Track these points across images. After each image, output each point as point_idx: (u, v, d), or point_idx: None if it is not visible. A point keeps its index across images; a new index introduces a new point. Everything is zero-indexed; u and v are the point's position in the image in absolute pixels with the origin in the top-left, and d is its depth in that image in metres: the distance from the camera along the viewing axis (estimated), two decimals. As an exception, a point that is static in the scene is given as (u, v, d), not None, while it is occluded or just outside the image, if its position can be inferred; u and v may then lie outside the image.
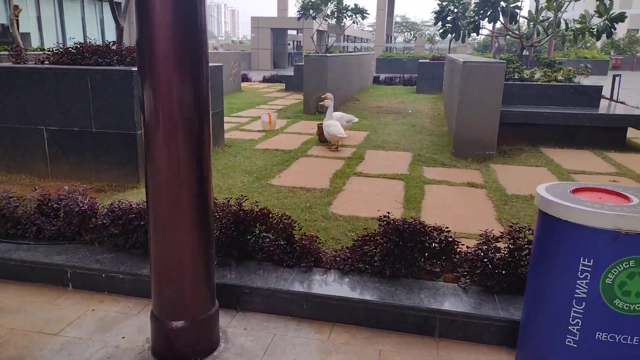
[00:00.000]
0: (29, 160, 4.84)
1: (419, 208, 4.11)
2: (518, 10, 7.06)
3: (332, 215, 3.89)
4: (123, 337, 2.44)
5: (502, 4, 6.73)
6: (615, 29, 8.15)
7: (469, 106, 5.83)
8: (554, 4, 6.88)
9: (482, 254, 2.72)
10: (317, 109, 9.77)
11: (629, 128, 6.81)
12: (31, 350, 2.32)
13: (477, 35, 7.27)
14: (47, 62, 4.94)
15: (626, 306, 1.79)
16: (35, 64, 4.96)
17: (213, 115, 6.01)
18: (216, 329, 2.40)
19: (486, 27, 7.67)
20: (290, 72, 18.36)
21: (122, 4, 5.57)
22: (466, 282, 2.68)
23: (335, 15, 14.53)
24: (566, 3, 7.45)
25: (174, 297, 2.24)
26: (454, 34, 7.57)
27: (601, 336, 1.84)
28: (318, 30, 30.78)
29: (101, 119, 4.56)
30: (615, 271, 1.77)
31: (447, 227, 2.86)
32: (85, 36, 22.40)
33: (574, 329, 1.87)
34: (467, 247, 2.82)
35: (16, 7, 7.69)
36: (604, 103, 7.29)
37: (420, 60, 15.13)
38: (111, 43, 4.98)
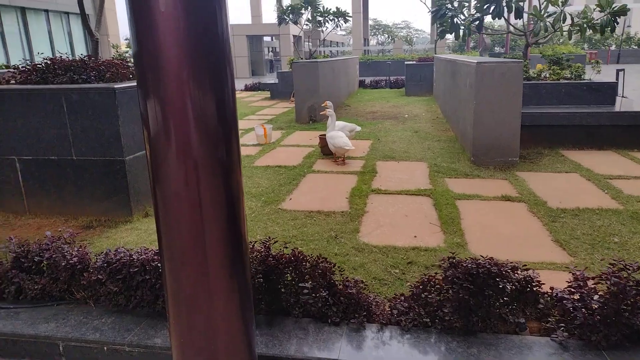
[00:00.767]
0: (2, 196, 4.16)
1: (460, 231, 3.59)
2: (521, 4, 6.67)
3: (365, 246, 3.34)
4: None
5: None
6: (617, 22, 7.85)
7: (486, 110, 5.37)
8: (560, -3, 6.50)
9: (575, 297, 2.22)
10: (310, 117, 9.24)
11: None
12: None
13: (479, 33, 6.85)
14: (14, 82, 4.28)
15: None
16: (0, 83, 4.29)
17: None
18: None
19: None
20: (272, 79, 17.77)
21: (92, 15, 4.93)
22: (562, 335, 2.17)
23: (316, 20, 14.04)
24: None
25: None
26: (452, 33, 7.13)
27: None
28: (294, 36, 30.32)
29: (82, 145, 3.92)
30: None
31: (524, 265, 2.35)
32: (53, 51, 21.40)
33: None
34: (551, 287, 2.31)
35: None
36: (618, 100, 6.94)
37: (406, 62, 14.74)
38: (86, 57, 4.35)
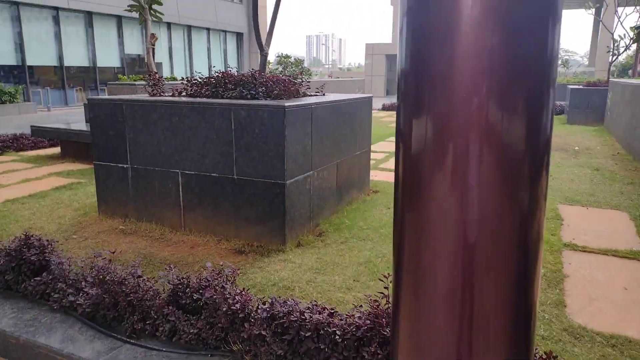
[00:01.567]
0: (161, 208, 4.13)
1: None
2: None
3: (582, 331, 2.52)
4: None
5: None
6: None
7: None
8: None
9: None
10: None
11: None
12: None
13: None
14: (185, 94, 4.26)
15: None
16: (172, 95, 4.30)
17: (360, 155, 4.97)
18: None
19: None
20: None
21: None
22: None
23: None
24: None
25: None
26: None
27: None
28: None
29: (244, 163, 3.69)
30: None
31: None
32: (210, 66, 23.35)
33: None
34: None
35: (153, 35, 7.45)
36: None
37: (571, 87, 13.02)
38: (256, 72, 4.17)
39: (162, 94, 4.41)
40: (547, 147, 1.02)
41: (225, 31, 24.89)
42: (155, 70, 6.92)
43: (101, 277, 2.52)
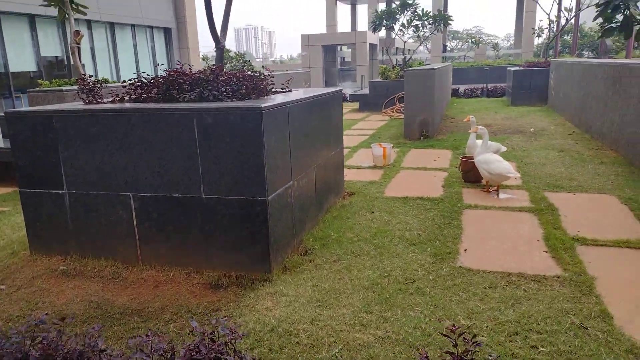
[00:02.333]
0: (111, 240, 3.40)
1: None
2: None
3: (646, 350, 2.18)
4: None
5: None
6: None
7: None
8: None
9: None
10: (421, 133, 8.12)
11: None
12: None
13: None
14: (128, 99, 3.54)
15: None
16: (114, 101, 3.56)
17: (335, 156, 4.48)
18: None
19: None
20: (350, 89, 16.85)
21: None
22: None
23: (411, 24, 12.93)
24: None
25: None
26: (623, 32, 5.77)
27: None
28: (370, 44, 29.37)
29: (214, 180, 3.06)
30: None
31: None
32: (137, 66, 21.84)
33: None
34: None
35: (77, 32, 6.47)
36: None
37: (512, 68, 13.23)
38: (215, 68, 3.52)
39: (100, 101, 3.65)
40: None
41: (152, 27, 23.40)
42: (83, 72, 6.00)
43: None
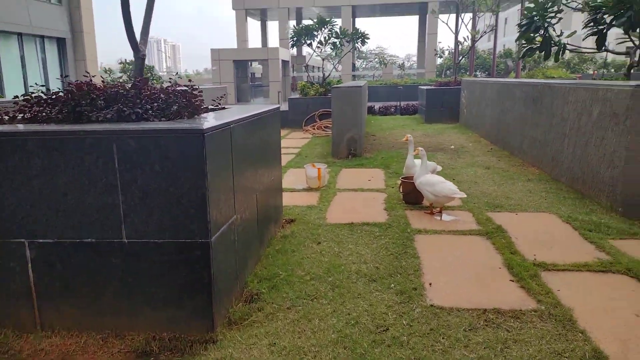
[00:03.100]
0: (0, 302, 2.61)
1: None
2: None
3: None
4: None
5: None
6: None
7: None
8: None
9: None
10: (349, 151, 7.90)
11: None
12: None
13: (600, 50, 5.69)
14: (21, 117, 2.79)
15: None
16: (1, 122, 2.78)
17: (274, 180, 4.03)
18: None
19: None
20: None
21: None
22: None
23: (331, 41, 12.89)
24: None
25: None
26: (543, 52, 6.00)
27: None
28: (283, 61, 29.25)
29: (140, 219, 2.45)
30: None
31: None
32: (26, 79, 19.60)
33: None
34: None
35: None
36: None
37: (425, 87, 13.68)
38: (138, 80, 2.90)
39: (-21, 120, 2.83)
40: None
41: (42, 36, 21.20)
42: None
43: None
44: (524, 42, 6.11)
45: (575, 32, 6.23)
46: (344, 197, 5.40)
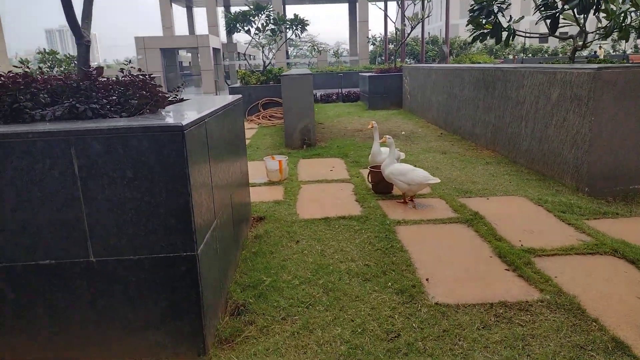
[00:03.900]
0: None
1: None
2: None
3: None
4: None
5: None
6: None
7: (609, 129, 4.24)
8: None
9: None
10: (303, 141, 7.63)
11: None
12: None
13: (553, 34, 5.75)
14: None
15: None
16: None
17: (242, 176, 3.71)
18: None
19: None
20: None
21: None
22: None
23: (269, 28, 12.45)
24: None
25: None
26: (494, 37, 6.03)
27: None
28: (214, 49, 28.17)
29: (109, 233, 2.04)
30: None
31: None
32: None
33: None
34: None
35: None
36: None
37: (367, 74, 13.63)
38: (93, 70, 2.45)
39: None
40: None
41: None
42: None
43: None
44: (473, 27, 6.11)
45: (523, 17, 6.33)
46: (310, 189, 5.14)
